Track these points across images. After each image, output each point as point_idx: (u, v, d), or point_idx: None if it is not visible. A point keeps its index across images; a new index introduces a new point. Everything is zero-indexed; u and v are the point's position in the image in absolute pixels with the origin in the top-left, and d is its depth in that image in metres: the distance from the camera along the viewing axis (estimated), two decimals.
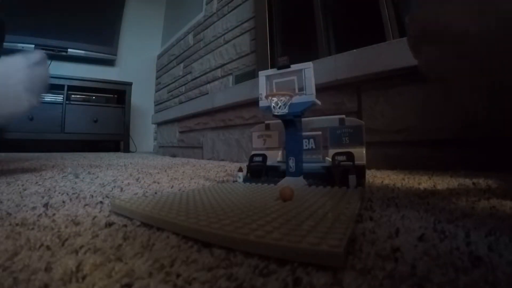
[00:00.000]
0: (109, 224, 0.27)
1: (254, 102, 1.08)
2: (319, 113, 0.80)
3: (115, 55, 2.75)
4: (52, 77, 2.20)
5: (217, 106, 1.44)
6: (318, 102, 0.49)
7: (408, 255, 0.18)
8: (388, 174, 0.66)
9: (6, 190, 0.47)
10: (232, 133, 1.39)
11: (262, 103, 0.52)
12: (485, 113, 0.27)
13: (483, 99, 0.25)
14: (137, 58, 2.91)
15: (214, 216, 0.25)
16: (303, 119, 0.53)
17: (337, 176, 0.46)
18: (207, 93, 1.85)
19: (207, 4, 2.04)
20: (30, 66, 0.60)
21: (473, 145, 0.65)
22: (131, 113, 2.53)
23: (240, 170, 0.54)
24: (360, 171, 0.45)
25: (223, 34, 1.79)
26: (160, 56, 2.89)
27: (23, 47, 2.28)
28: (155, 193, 0.46)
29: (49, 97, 2.23)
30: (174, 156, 1.95)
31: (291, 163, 0.50)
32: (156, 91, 2.91)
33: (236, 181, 0.54)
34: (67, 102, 2.25)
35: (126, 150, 2.50)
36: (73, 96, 2.32)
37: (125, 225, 0.26)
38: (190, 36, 2.24)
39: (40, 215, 0.30)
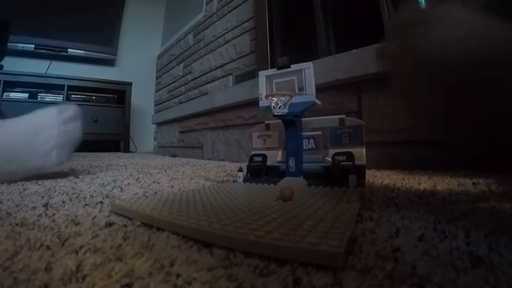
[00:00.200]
0: (109, 224, 0.27)
1: (254, 102, 1.08)
2: (319, 113, 0.80)
3: (115, 55, 2.75)
4: (52, 77, 2.21)
5: (217, 106, 1.44)
6: (318, 102, 0.49)
7: (408, 255, 0.18)
8: (388, 174, 0.66)
9: (6, 190, 0.47)
10: (232, 133, 1.39)
11: (262, 103, 0.52)
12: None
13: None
14: (137, 58, 2.91)
15: (214, 216, 0.25)
16: (303, 119, 0.53)
17: (337, 176, 0.46)
18: (207, 93, 1.85)
19: (207, 4, 2.04)
20: (63, 123, 0.59)
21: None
22: (131, 113, 2.53)
23: (240, 170, 0.54)
24: (360, 171, 0.45)
25: (223, 34, 1.79)
26: (160, 56, 2.89)
27: (23, 47, 2.28)
28: (155, 193, 0.46)
29: (49, 97, 2.23)
30: (174, 156, 1.95)
31: (291, 163, 0.50)
32: (156, 91, 2.91)
33: (236, 181, 0.54)
34: (67, 102, 2.25)
35: (126, 150, 2.50)
36: (73, 96, 2.32)
37: (125, 225, 0.26)
38: (190, 36, 2.24)
39: (40, 215, 0.30)
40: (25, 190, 0.47)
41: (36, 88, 2.20)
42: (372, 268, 0.16)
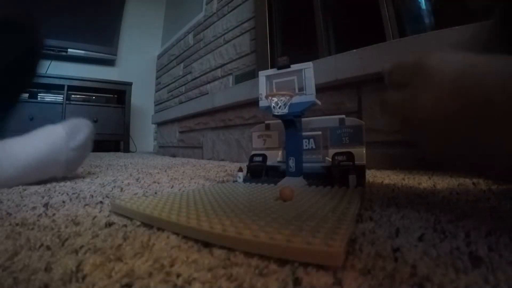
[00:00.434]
0: (109, 224, 0.27)
1: (254, 102, 1.08)
2: (319, 113, 0.80)
3: (115, 55, 2.75)
4: (52, 77, 2.21)
5: (217, 106, 1.44)
6: (318, 102, 0.49)
7: (408, 255, 0.18)
8: (388, 174, 0.66)
9: (6, 190, 0.47)
10: (232, 133, 1.39)
11: (262, 103, 0.52)
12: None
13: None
14: (137, 58, 2.91)
15: (214, 216, 0.25)
16: (303, 119, 0.53)
17: (337, 176, 0.46)
18: (207, 93, 1.85)
19: (207, 4, 2.04)
20: (73, 150, 0.57)
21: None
22: (131, 113, 2.53)
23: (240, 170, 0.54)
24: (360, 171, 0.45)
25: (223, 34, 1.79)
26: (160, 56, 2.89)
27: None
28: (155, 193, 0.46)
29: (49, 97, 2.23)
30: (174, 156, 1.95)
31: (291, 163, 0.50)
32: (156, 91, 2.91)
33: (236, 181, 0.54)
34: (67, 102, 2.25)
35: (126, 150, 2.50)
36: (73, 96, 2.32)
37: (125, 225, 0.26)
38: (190, 36, 2.24)
39: (40, 215, 0.30)
40: (25, 190, 0.47)
41: (36, 88, 2.20)
42: (372, 268, 0.16)
